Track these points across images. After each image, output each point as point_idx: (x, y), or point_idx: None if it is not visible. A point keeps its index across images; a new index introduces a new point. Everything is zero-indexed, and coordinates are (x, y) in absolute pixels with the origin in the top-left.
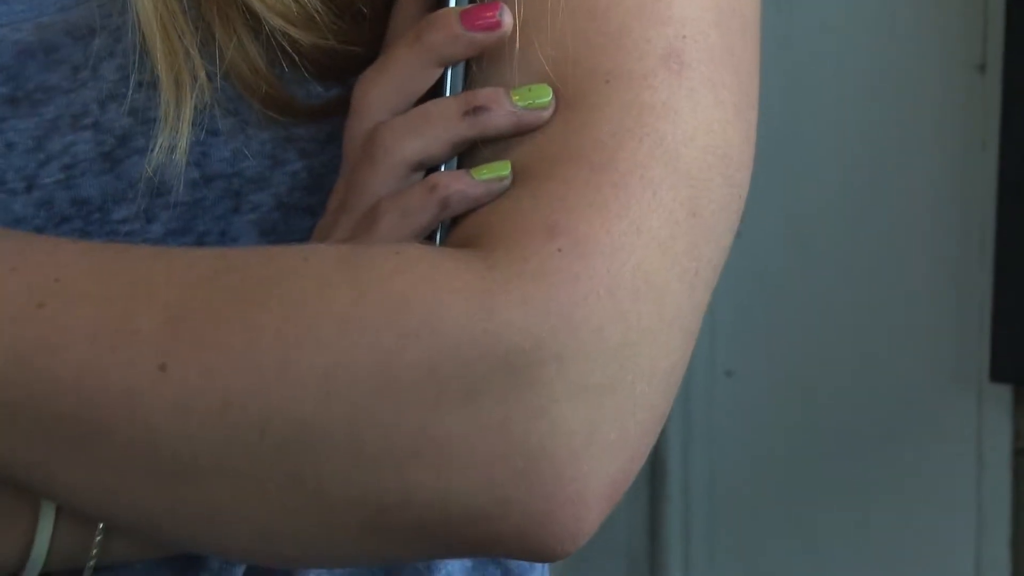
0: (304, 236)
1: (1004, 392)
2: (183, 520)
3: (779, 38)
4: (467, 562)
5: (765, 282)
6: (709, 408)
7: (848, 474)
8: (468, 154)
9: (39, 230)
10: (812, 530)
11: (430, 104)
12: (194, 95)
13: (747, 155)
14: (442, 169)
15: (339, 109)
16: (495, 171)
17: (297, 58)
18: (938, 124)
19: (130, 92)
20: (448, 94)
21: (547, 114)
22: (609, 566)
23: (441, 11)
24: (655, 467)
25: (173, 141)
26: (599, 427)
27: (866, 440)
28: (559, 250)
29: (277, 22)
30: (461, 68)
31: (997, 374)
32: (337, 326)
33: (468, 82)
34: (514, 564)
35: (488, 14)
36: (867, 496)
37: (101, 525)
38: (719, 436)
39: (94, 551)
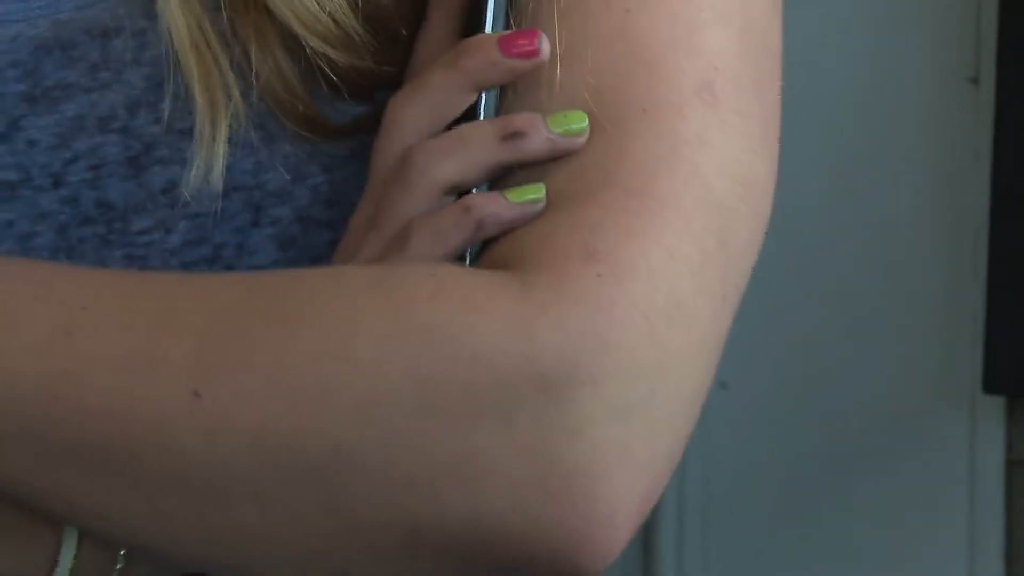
0: (322, 250)
1: (997, 404)
2: (214, 546)
3: None
4: None
5: (759, 294)
6: (704, 419)
7: (841, 485)
8: (499, 177)
9: (63, 227)
10: (806, 541)
11: (465, 127)
12: (228, 115)
13: (771, 184)
14: (474, 192)
15: (367, 126)
16: (529, 194)
17: (334, 78)
18: (931, 136)
19: (166, 104)
20: (481, 118)
21: (582, 141)
22: None
23: (479, 36)
24: None
25: (210, 163)
26: (630, 447)
27: (859, 451)
28: (598, 275)
29: (317, 44)
30: (495, 93)
31: (990, 386)
32: (373, 349)
33: (501, 107)
34: None
35: (525, 41)
36: (860, 507)
37: (123, 551)
38: (714, 447)
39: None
